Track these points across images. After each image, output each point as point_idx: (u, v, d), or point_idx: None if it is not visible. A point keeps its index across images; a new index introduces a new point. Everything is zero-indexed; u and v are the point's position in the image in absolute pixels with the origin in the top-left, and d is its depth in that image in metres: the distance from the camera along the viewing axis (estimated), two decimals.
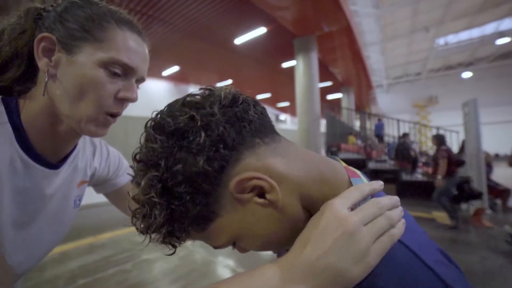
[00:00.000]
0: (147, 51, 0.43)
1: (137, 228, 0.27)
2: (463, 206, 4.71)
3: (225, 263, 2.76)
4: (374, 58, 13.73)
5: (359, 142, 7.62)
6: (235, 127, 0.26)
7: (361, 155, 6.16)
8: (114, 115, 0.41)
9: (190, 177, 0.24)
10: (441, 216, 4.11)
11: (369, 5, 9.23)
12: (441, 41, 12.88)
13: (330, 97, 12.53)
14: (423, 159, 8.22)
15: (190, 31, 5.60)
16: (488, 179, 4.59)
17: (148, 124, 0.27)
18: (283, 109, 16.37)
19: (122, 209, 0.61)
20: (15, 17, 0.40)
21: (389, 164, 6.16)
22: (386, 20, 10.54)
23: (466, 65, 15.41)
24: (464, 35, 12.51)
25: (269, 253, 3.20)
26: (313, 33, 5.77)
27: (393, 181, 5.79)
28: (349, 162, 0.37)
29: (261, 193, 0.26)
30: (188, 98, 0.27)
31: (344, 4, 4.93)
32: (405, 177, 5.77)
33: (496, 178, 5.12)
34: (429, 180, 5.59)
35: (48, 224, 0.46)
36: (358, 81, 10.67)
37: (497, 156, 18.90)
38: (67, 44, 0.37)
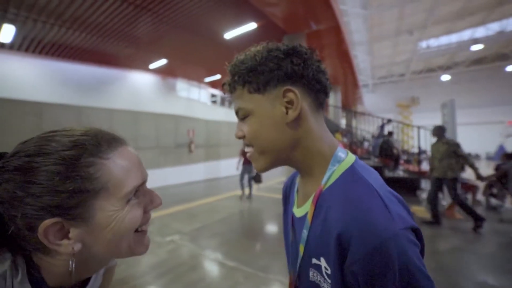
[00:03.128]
0: (133, 151, 0.40)
1: (224, 84, 0.46)
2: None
3: (212, 256, 2.77)
4: (360, 58, 14.06)
5: (345, 139, 7.81)
6: (309, 69, 0.42)
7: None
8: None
9: (291, 68, 0.42)
10: (420, 210, 4.35)
11: (357, 5, 9.42)
12: (423, 44, 13.42)
13: None
14: (404, 157, 8.60)
15: (180, 23, 5.46)
16: None
17: (263, 45, 0.44)
18: None
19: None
20: None
21: (373, 161, 6.37)
22: (373, 21, 10.82)
23: (445, 69, 16.17)
24: (444, 40, 13.12)
25: (257, 244, 3.25)
26: (302, 30, 5.82)
27: None
28: None
29: (289, 107, 0.42)
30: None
31: (333, 2, 5.00)
32: (388, 173, 6.01)
33: (468, 176, 5.47)
34: (409, 177, 5.86)
35: None
36: (345, 79, 10.89)
37: (469, 155, 20.14)
38: (75, 216, 0.32)
